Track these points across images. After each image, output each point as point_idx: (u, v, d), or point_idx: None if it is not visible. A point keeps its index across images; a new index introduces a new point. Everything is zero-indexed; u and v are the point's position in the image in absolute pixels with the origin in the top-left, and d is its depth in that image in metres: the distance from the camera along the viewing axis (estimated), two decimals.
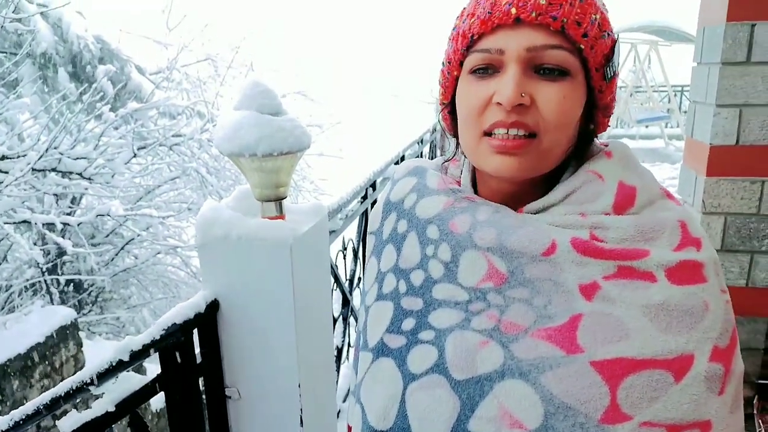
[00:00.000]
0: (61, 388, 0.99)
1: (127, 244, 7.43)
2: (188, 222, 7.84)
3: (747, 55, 1.84)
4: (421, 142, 4.54)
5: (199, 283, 7.53)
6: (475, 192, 0.71)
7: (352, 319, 2.51)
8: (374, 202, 2.78)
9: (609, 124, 0.67)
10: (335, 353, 2.14)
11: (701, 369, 0.54)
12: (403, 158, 3.58)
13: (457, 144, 0.72)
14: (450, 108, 0.70)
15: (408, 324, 0.66)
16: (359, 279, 2.66)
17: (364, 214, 2.63)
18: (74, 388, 1.01)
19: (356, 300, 2.64)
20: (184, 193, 7.52)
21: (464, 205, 0.66)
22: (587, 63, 0.60)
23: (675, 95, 11.31)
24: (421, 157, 4.64)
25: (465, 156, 0.70)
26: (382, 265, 0.73)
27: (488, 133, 0.61)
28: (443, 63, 0.69)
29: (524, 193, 0.66)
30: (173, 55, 7.22)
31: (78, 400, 1.08)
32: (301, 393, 1.28)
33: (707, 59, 1.99)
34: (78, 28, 7.09)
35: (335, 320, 2.23)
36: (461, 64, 0.64)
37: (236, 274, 1.23)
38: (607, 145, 0.68)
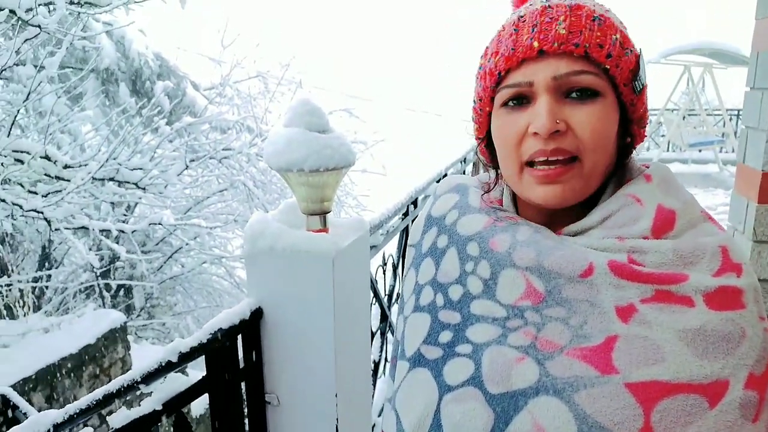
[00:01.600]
0: (113, 385, 1.05)
1: (175, 252, 7.69)
2: (234, 233, 8.05)
3: None
4: (464, 161, 4.55)
5: (242, 294, 7.67)
6: (516, 212, 0.73)
7: (389, 334, 2.53)
8: (415, 219, 2.80)
9: (645, 134, 0.69)
10: (372, 367, 2.16)
11: (736, 396, 0.54)
12: (445, 176, 3.60)
13: (497, 173, 0.74)
14: (486, 141, 0.72)
15: (445, 336, 0.67)
16: (398, 295, 2.68)
17: (405, 231, 2.66)
18: (125, 386, 1.07)
19: (394, 315, 2.66)
20: (231, 205, 7.74)
21: (504, 224, 0.68)
22: (615, 80, 0.62)
23: (730, 119, 10.93)
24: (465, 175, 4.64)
25: (507, 185, 0.72)
26: (420, 277, 0.74)
27: (529, 163, 0.63)
28: (474, 101, 0.71)
29: (563, 214, 0.67)
30: (226, 71, 7.50)
31: (128, 398, 1.13)
32: (338, 403, 1.31)
33: (761, 84, 1.94)
34: (139, 46, 7.47)
35: (373, 335, 2.25)
36: (492, 99, 0.66)
37: (280, 284, 1.27)
38: (647, 167, 0.68)
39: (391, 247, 2.55)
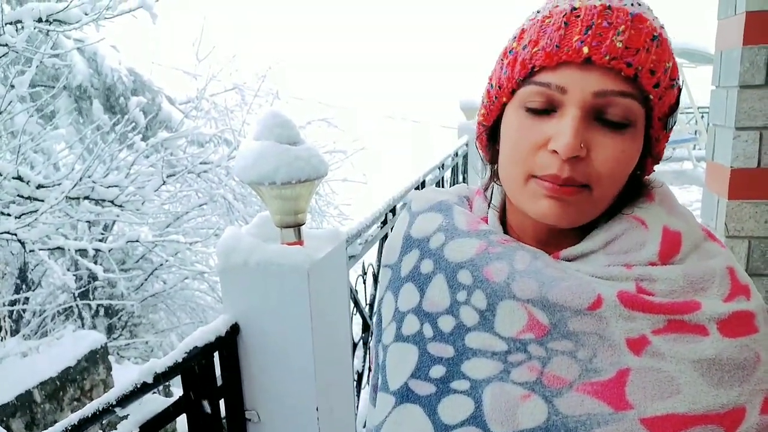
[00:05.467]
0: (88, 409, 1.03)
1: (156, 269, 7.59)
2: (215, 248, 7.96)
3: (765, 78, 1.83)
4: (442, 167, 4.57)
5: None
6: (503, 226, 0.68)
7: (372, 344, 2.52)
8: (393, 228, 2.80)
9: (654, 169, 0.64)
10: (355, 377, 2.14)
11: (753, 422, 0.53)
12: (423, 183, 3.61)
13: (492, 172, 0.68)
14: (489, 131, 0.66)
15: (437, 371, 0.63)
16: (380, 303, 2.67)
17: (384, 239, 2.66)
18: (101, 409, 1.05)
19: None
20: (211, 219, 7.67)
21: (498, 250, 0.62)
22: (652, 112, 0.57)
23: (702, 117, 11.16)
24: (442, 182, 4.66)
25: (501, 187, 0.67)
26: (401, 304, 0.69)
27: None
28: (491, 85, 0.63)
29: (558, 234, 0.62)
30: (202, 85, 7.45)
31: (105, 422, 1.11)
32: (319, 416, 1.30)
33: (725, 82, 1.99)
34: (112, 61, 7.39)
35: (355, 345, 2.24)
36: (513, 92, 0.59)
37: (256, 299, 1.26)
38: (644, 182, 0.65)
39: (371, 256, 2.55)
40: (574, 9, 0.55)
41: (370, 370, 2.52)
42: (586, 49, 0.53)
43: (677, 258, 0.58)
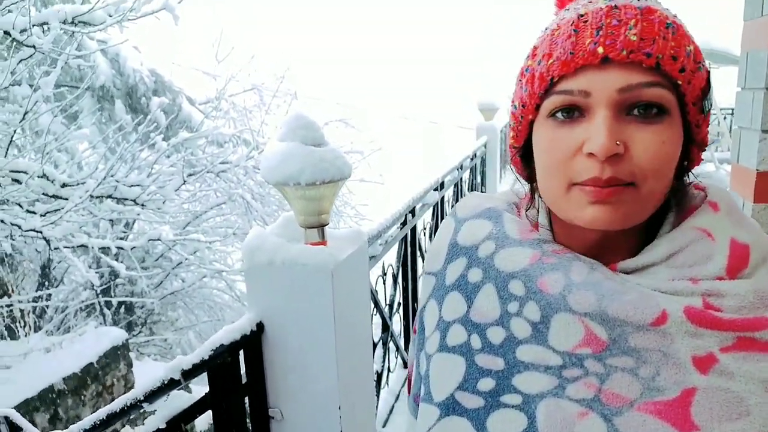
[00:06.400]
0: (116, 404, 1.05)
1: (175, 267, 7.68)
2: (233, 247, 8.04)
3: None
4: (461, 168, 4.56)
5: (243, 307, 7.63)
6: (553, 238, 0.65)
7: (391, 344, 2.53)
8: (414, 229, 2.81)
9: (702, 158, 0.62)
10: (375, 378, 2.15)
11: None
12: (443, 185, 3.61)
13: (532, 189, 0.66)
14: (522, 152, 0.65)
15: (486, 384, 0.61)
16: (399, 304, 2.68)
17: (404, 240, 2.66)
18: (128, 404, 1.07)
19: (396, 325, 2.66)
20: (230, 218, 7.75)
21: (554, 260, 0.60)
22: (684, 98, 0.55)
23: (725, 118, 10.99)
24: (460, 183, 4.65)
25: (545, 205, 0.65)
26: (446, 313, 0.67)
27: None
28: (514, 106, 0.63)
29: (613, 240, 0.60)
30: (221, 85, 7.54)
31: (132, 417, 1.14)
32: (341, 415, 1.31)
33: (751, 84, 1.96)
34: (134, 62, 7.51)
35: (375, 345, 2.25)
36: (537, 107, 0.59)
37: (280, 298, 1.28)
38: (704, 190, 0.62)
39: (391, 257, 2.56)
40: (581, 15, 0.55)
41: (389, 370, 2.53)
42: (600, 49, 0.52)
43: (745, 272, 0.56)
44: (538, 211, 0.68)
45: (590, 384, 0.55)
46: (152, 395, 1.10)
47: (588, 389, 0.55)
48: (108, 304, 7.24)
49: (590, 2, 0.57)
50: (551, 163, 0.57)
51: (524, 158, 0.65)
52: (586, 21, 0.55)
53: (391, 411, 2.40)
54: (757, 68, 1.90)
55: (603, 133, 0.52)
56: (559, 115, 0.56)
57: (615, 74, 0.53)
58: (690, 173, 0.62)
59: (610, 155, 0.52)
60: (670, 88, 0.54)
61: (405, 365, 2.77)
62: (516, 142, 0.65)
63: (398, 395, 2.54)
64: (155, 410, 1.16)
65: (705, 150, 0.61)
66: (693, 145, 0.60)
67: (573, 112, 0.55)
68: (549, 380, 0.57)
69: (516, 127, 0.64)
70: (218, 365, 1.20)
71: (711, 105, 0.58)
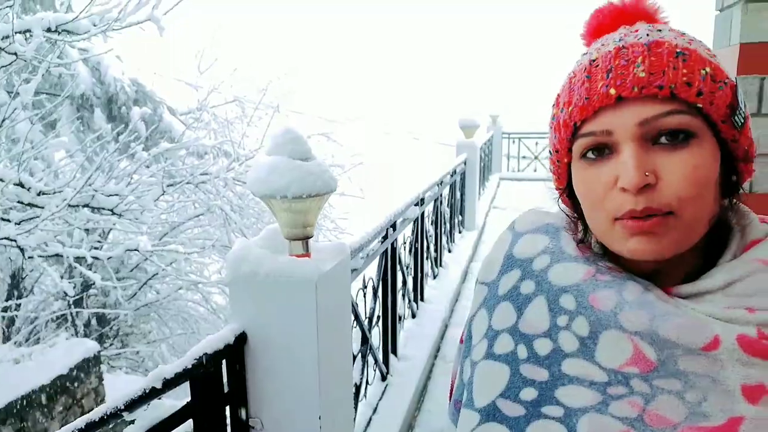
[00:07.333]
0: (95, 413, 1.05)
1: (150, 278, 7.58)
2: (211, 258, 7.97)
3: (758, 106, 1.90)
4: (441, 184, 4.62)
5: (219, 320, 7.52)
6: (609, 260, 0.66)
7: (370, 357, 2.55)
8: (394, 243, 2.85)
9: (754, 169, 0.61)
10: (354, 390, 2.17)
11: None
12: (423, 200, 3.66)
13: (584, 224, 0.67)
14: (567, 191, 0.67)
15: (528, 394, 0.61)
16: (378, 317, 2.70)
17: (384, 254, 2.70)
18: (108, 413, 1.07)
19: (375, 338, 2.68)
20: (208, 230, 7.69)
21: (607, 278, 0.60)
22: (711, 119, 0.55)
23: None
24: (441, 199, 4.71)
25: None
26: (495, 322, 0.68)
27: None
28: (550, 152, 0.66)
29: (668, 265, 0.60)
30: (203, 96, 7.52)
31: (111, 426, 1.14)
32: (321, 425, 1.33)
33: None
34: (115, 71, 7.46)
35: (354, 358, 2.27)
36: (569, 150, 0.62)
37: (264, 309, 1.30)
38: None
39: (371, 271, 2.58)
40: (593, 61, 0.59)
41: (368, 383, 2.54)
42: (613, 90, 0.55)
43: None
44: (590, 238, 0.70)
45: (635, 403, 0.55)
46: (133, 404, 1.11)
47: (632, 408, 0.55)
48: (80, 316, 7.09)
49: (603, 45, 0.59)
50: (591, 202, 0.59)
51: (570, 197, 0.67)
52: (597, 66, 0.58)
53: (368, 423, 2.41)
54: None
55: (631, 166, 0.54)
56: (590, 154, 0.59)
57: (631, 111, 0.55)
58: (741, 188, 0.62)
59: (641, 186, 0.54)
60: (692, 112, 0.55)
61: (383, 378, 2.79)
62: (559, 184, 0.68)
63: (376, 408, 2.55)
64: (134, 420, 1.16)
65: (752, 161, 0.61)
66: (736, 161, 0.60)
67: (603, 150, 0.58)
68: (593, 396, 0.57)
69: (556, 170, 0.67)
70: (201, 374, 1.21)
71: (744, 118, 0.58)
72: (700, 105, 0.54)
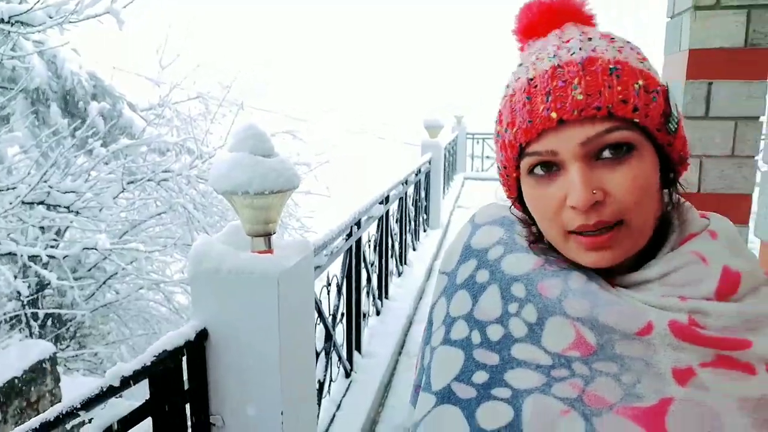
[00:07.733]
0: (50, 413, 1.03)
1: (110, 278, 7.38)
2: (173, 257, 7.82)
3: (705, 110, 1.99)
4: (406, 182, 4.66)
5: (181, 320, 7.36)
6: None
7: (334, 354, 2.55)
8: (359, 240, 2.86)
9: (689, 163, 0.65)
10: (317, 387, 2.17)
11: None
12: (388, 198, 3.69)
13: (538, 229, 0.69)
14: (519, 199, 0.69)
15: (480, 377, 0.65)
16: (342, 314, 2.71)
17: (349, 251, 2.71)
18: (64, 413, 1.05)
19: (339, 336, 2.69)
20: (171, 228, 7.53)
21: (555, 268, 0.64)
22: (647, 130, 0.58)
23: None
24: (405, 198, 4.75)
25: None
26: (453, 309, 0.71)
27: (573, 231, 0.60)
28: (498, 167, 0.69)
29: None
30: (165, 92, 7.37)
31: (67, 426, 1.12)
32: (283, 421, 1.33)
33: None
34: (72, 65, 7.22)
35: (318, 354, 2.27)
36: (517, 167, 0.64)
37: (225, 305, 1.29)
38: (707, 218, 0.66)
39: (335, 268, 2.59)
40: (531, 80, 0.60)
41: (332, 380, 2.55)
42: (554, 114, 0.57)
43: (733, 297, 0.59)
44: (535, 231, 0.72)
45: (575, 385, 0.59)
46: (89, 403, 1.09)
47: (572, 389, 0.59)
48: (34, 316, 6.85)
49: (538, 59, 0.61)
50: (542, 216, 0.63)
51: (522, 203, 0.69)
52: (536, 86, 0.59)
53: (332, 420, 2.42)
54: (675, 98, 2.09)
55: (579, 186, 0.57)
56: (537, 170, 0.61)
57: (573, 132, 0.57)
58: (678, 183, 0.65)
59: (589, 205, 0.57)
60: (630, 126, 0.57)
61: (347, 375, 2.80)
62: (511, 194, 0.71)
63: (339, 404, 2.56)
64: (91, 419, 1.14)
65: (687, 157, 0.64)
66: (673, 163, 0.63)
67: (551, 167, 0.60)
68: (538, 378, 0.61)
69: (506, 183, 0.70)
70: (160, 372, 1.20)
71: (677, 120, 0.60)
72: (636, 120, 0.57)
